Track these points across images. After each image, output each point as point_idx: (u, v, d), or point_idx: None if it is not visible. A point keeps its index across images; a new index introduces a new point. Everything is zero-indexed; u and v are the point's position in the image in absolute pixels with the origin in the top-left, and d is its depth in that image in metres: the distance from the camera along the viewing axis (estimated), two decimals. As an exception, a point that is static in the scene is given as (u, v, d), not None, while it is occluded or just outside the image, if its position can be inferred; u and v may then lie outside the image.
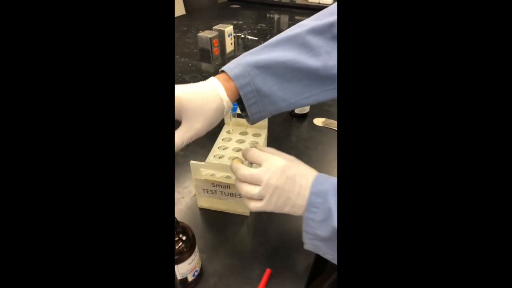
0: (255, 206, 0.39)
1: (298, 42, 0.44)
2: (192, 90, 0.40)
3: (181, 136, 0.40)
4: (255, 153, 0.41)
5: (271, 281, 0.47)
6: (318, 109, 0.88)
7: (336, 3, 0.44)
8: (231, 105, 0.43)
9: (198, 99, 0.40)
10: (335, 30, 0.44)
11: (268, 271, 0.47)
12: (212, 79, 0.42)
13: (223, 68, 0.43)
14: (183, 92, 0.39)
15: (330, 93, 0.45)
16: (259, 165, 0.40)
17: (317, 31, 0.44)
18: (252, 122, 0.46)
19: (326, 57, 0.43)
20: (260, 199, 0.39)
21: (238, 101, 0.45)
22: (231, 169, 0.41)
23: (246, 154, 0.42)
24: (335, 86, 0.45)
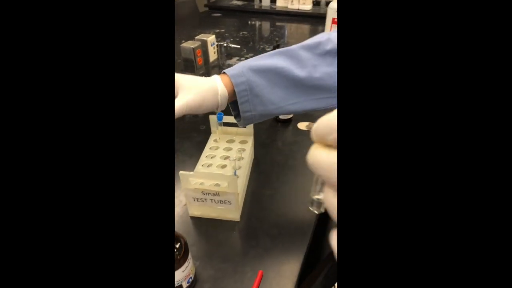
0: None
1: (290, 54, 0.51)
2: (191, 75, 0.48)
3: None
4: None
5: (264, 282, 0.48)
6: (302, 114, 0.90)
7: (326, 32, 0.54)
8: (226, 94, 0.49)
9: (194, 78, 0.47)
10: (322, 47, 0.51)
11: (260, 273, 0.49)
12: (212, 76, 0.50)
13: (224, 70, 0.50)
14: (181, 74, 0.47)
15: (313, 102, 0.52)
16: None
17: (307, 47, 0.51)
18: (242, 122, 0.52)
19: (312, 70, 0.50)
20: None
21: (232, 107, 0.52)
22: (312, 167, 0.18)
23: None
24: (319, 96, 0.52)
